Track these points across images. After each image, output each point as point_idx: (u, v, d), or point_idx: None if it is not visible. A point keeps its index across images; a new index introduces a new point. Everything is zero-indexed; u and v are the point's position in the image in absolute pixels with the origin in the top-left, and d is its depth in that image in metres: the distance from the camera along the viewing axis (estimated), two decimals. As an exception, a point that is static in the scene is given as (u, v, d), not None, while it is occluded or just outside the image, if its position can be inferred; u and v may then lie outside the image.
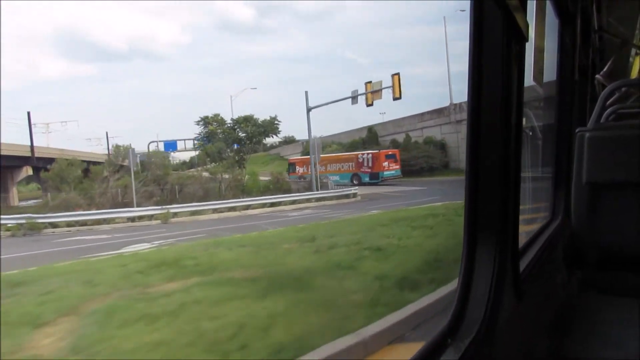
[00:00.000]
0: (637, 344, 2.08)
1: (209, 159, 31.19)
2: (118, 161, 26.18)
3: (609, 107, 3.19)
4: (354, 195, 24.85)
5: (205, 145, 31.66)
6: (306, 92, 28.71)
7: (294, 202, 23.31)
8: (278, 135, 32.22)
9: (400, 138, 33.53)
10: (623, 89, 3.54)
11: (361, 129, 36.14)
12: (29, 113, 25.73)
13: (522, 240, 2.09)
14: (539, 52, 2.17)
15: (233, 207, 21.67)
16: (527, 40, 1.48)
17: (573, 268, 2.87)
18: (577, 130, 2.81)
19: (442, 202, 15.93)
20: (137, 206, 21.12)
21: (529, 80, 2.07)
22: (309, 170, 30.72)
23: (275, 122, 30.86)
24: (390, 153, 31.67)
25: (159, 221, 18.42)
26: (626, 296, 2.54)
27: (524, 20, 1.42)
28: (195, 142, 32.30)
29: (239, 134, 30.50)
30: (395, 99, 26.14)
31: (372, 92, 27.22)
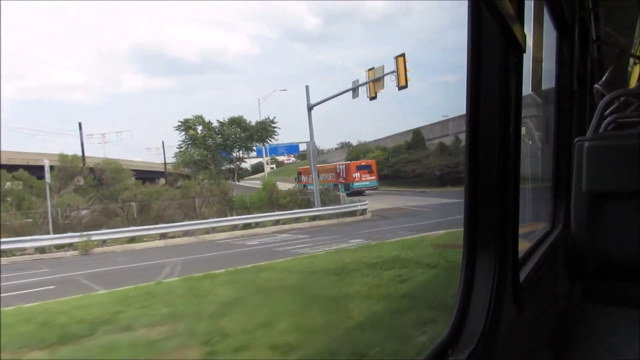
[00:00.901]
0: (637, 354, 2.07)
1: (188, 169, 27.13)
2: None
3: (608, 117, 3.20)
4: (363, 212, 22.26)
5: (189, 152, 27.15)
6: (307, 87, 24.99)
7: (277, 221, 20.27)
8: (273, 140, 27.94)
9: (449, 141, 30.65)
10: (622, 99, 3.56)
11: (407, 132, 33.86)
12: (80, 124, 25.55)
13: (522, 250, 2.09)
14: (537, 62, 2.19)
15: (192, 230, 17.53)
16: (524, 51, 1.49)
17: (573, 278, 2.86)
18: (576, 140, 2.82)
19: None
20: (60, 231, 16.33)
21: (527, 90, 2.08)
22: (311, 179, 30.06)
23: (270, 125, 27.16)
24: (363, 164, 31.33)
25: (76, 252, 14.63)
26: (626, 306, 2.53)
27: (521, 32, 1.44)
28: (177, 149, 28.07)
29: (219, 139, 26.65)
30: (400, 87, 20.82)
31: (374, 81, 22.44)
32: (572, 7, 3.02)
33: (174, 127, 26.86)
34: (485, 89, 1.35)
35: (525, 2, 1.64)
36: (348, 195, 28.96)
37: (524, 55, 1.56)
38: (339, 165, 32.83)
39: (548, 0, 2.40)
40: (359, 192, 29.28)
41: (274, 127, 27.56)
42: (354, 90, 23.64)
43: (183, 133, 27.04)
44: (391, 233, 14.62)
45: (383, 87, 22.18)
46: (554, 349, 2.15)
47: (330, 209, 22.42)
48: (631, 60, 5.46)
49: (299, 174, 34.19)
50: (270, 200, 24.36)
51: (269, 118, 27.40)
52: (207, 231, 17.97)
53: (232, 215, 21.22)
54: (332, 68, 41.08)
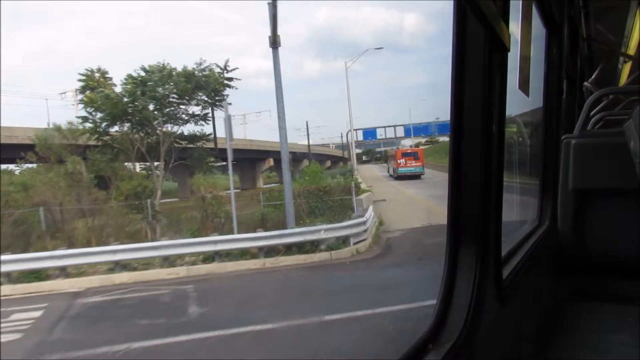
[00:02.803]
0: (621, 349, 2.11)
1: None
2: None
3: (596, 115, 3.23)
4: (360, 236, 12.25)
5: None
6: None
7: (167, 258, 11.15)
8: (227, 93, 19.15)
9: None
10: (610, 97, 3.59)
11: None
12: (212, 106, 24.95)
13: (508, 246, 2.12)
14: (525, 60, 2.20)
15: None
16: (508, 50, 1.51)
17: (559, 274, 2.90)
18: (563, 137, 2.85)
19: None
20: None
21: (514, 88, 2.10)
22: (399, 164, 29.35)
23: (223, 75, 18.95)
24: (408, 151, 32.68)
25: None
26: (612, 302, 2.57)
27: (506, 31, 1.45)
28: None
29: (138, 102, 17.42)
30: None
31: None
32: (560, 5, 3.04)
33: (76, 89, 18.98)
34: (469, 88, 1.37)
35: (515, 1, 1.65)
36: (395, 179, 29.10)
37: (512, 53, 1.58)
38: (391, 151, 33.16)
39: None
40: (408, 177, 30.03)
41: (228, 76, 19.15)
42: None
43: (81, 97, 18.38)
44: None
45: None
46: (537, 344, 2.18)
47: (273, 236, 12.01)
48: (621, 59, 5.50)
49: (389, 158, 34.40)
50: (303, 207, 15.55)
51: (217, 64, 19.00)
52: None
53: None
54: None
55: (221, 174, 28.61)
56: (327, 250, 11.81)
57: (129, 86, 17.83)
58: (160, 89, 17.96)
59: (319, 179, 19.28)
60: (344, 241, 12.10)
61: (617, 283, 2.70)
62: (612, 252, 2.76)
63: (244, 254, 11.77)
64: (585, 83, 4.10)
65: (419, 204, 19.21)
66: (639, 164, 2.07)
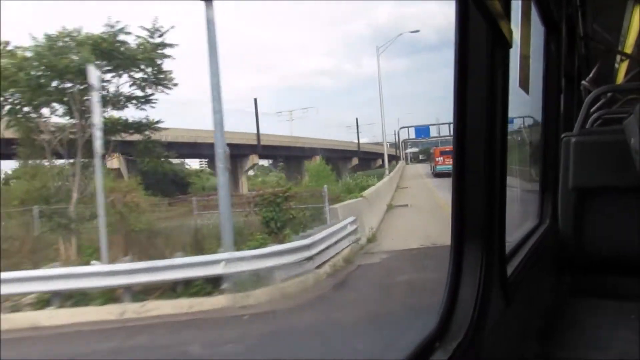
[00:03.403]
0: (625, 346, 2.11)
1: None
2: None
3: (594, 113, 3.24)
4: (305, 261, 8.39)
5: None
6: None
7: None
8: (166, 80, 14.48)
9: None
10: (609, 95, 3.61)
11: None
12: (255, 100, 25.13)
13: (510, 245, 2.12)
14: (525, 58, 2.21)
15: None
16: (511, 47, 1.51)
17: (561, 272, 2.90)
18: (562, 136, 2.86)
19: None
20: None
21: (515, 86, 2.10)
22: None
23: (149, 42, 13.65)
24: (447, 150, 32.56)
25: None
26: (613, 299, 2.57)
27: (508, 28, 1.45)
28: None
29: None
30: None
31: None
32: (559, 4, 3.05)
33: None
34: (472, 84, 1.37)
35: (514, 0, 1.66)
36: (435, 176, 28.78)
37: (512, 51, 1.58)
38: (432, 149, 33.15)
39: None
40: (446, 174, 30.00)
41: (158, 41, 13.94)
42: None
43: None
44: None
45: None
46: (541, 342, 2.18)
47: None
48: (618, 57, 5.53)
49: (430, 156, 34.29)
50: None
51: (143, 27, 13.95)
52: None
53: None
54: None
55: (268, 173, 28.41)
56: (234, 292, 7.62)
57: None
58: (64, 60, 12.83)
59: (325, 181, 16.47)
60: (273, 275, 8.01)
61: (619, 280, 2.70)
62: (613, 249, 2.77)
63: (104, 294, 7.68)
64: (583, 82, 4.11)
65: (442, 213, 14.09)
66: None
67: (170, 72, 14.45)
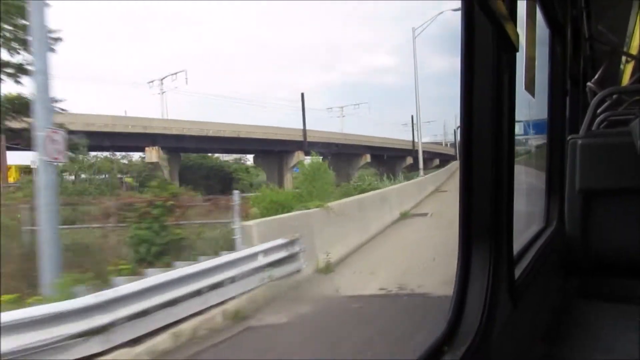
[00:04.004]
0: (632, 348, 2.09)
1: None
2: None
3: (600, 115, 3.23)
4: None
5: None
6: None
7: None
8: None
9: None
10: (614, 96, 3.59)
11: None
12: (302, 94, 25.26)
13: (517, 247, 2.11)
14: (530, 60, 2.20)
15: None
16: (517, 50, 1.51)
17: (567, 274, 2.89)
18: (569, 138, 2.85)
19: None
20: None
21: (520, 89, 2.10)
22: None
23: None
24: None
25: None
26: (620, 302, 2.56)
27: (514, 31, 1.45)
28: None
29: None
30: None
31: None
32: (564, 6, 3.05)
33: None
34: (478, 87, 1.37)
35: (519, 1, 1.66)
36: None
37: (518, 54, 1.58)
38: None
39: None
40: None
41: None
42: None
43: None
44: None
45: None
46: (549, 344, 2.17)
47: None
48: (623, 59, 5.50)
49: None
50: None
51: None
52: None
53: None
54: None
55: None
56: None
57: None
58: None
59: (320, 180, 12.79)
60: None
61: (625, 282, 2.69)
62: (619, 251, 2.75)
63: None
64: (589, 83, 4.09)
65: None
66: None
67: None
